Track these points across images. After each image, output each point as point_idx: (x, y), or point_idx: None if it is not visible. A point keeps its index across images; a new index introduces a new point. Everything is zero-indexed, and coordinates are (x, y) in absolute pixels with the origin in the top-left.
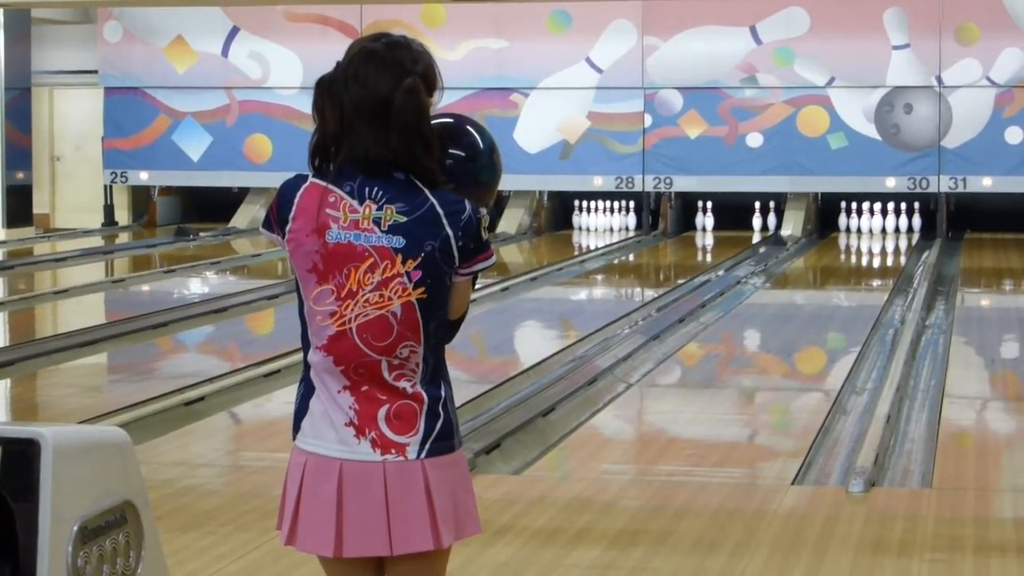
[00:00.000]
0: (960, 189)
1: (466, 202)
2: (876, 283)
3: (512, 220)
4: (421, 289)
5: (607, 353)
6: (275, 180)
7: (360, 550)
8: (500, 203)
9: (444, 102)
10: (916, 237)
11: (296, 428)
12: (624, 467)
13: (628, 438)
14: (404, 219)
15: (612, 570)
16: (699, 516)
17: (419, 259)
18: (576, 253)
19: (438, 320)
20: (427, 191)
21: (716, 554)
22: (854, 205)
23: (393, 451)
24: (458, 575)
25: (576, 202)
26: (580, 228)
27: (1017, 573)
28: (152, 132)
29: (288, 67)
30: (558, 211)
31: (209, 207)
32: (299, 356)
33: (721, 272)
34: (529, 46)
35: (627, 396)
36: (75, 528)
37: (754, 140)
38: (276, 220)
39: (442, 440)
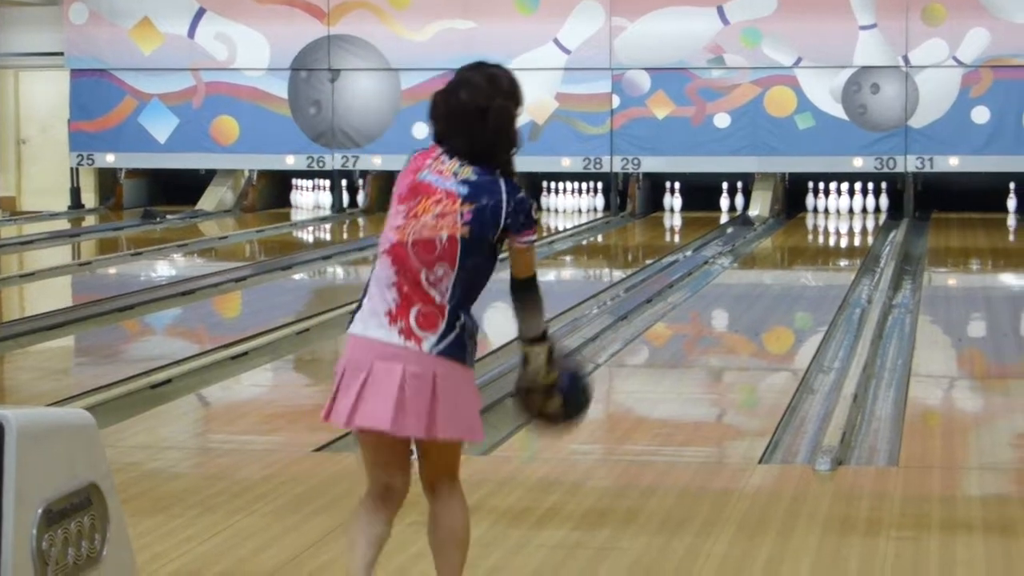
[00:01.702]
0: (927, 169)
1: (525, 192)
2: (843, 263)
3: None
4: (467, 229)
5: (575, 333)
6: (242, 162)
7: (364, 419)
8: None
9: (410, 83)
10: (883, 217)
11: (350, 323)
12: (592, 447)
13: (596, 418)
14: (474, 178)
15: (580, 549)
16: (666, 495)
17: (473, 206)
18: (544, 234)
19: (475, 264)
20: (500, 177)
21: (683, 533)
22: (821, 185)
23: (413, 340)
24: (426, 554)
25: (544, 183)
26: (548, 209)
27: (983, 550)
28: (118, 114)
29: (255, 48)
30: (526, 192)
31: (176, 189)
32: (264, 340)
33: (689, 252)
34: (497, 27)
35: (595, 376)
36: (40, 511)
37: (722, 121)
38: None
39: (454, 348)
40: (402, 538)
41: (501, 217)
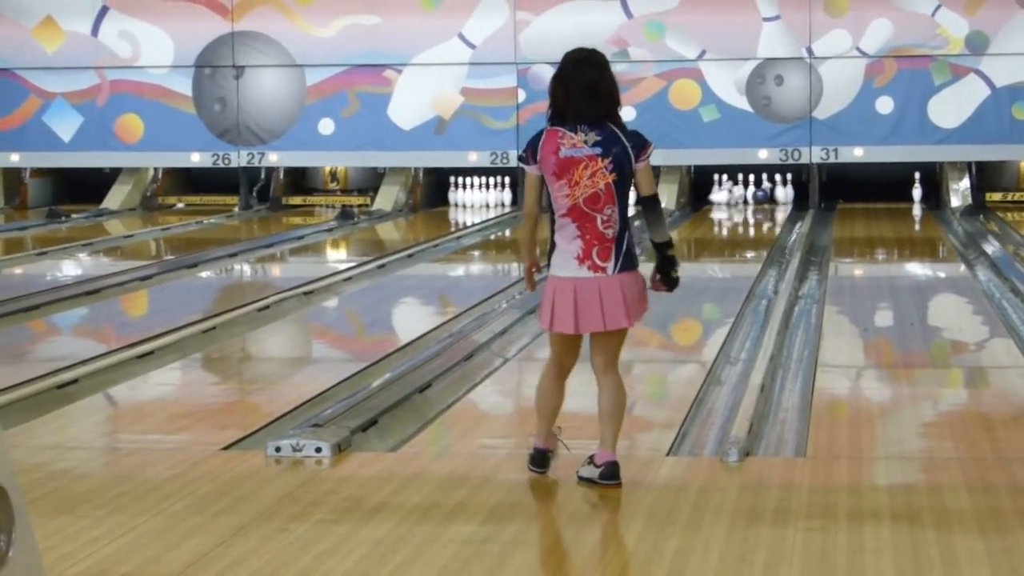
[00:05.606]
0: (832, 159)
1: (631, 129)
2: (749, 254)
3: (388, 197)
4: (614, 175)
5: (484, 328)
6: (147, 160)
7: (587, 328)
8: (376, 180)
9: (316, 79)
10: (789, 208)
11: (548, 264)
12: (501, 441)
13: (505, 412)
14: (599, 138)
15: (488, 543)
16: (575, 488)
17: (610, 158)
18: (452, 229)
19: (625, 196)
20: (612, 126)
21: (592, 525)
22: (727, 177)
23: (600, 272)
24: (334, 552)
25: (451, 178)
26: (456, 204)
27: (890, 539)
28: (22, 113)
29: (159, 46)
30: (434, 188)
31: (81, 188)
32: (170, 338)
33: None
34: (402, 22)
35: (504, 370)
36: None
37: (627, 114)
38: (532, 157)
39: (627, 262)
40: (309, 536)
41: (629, 154)
